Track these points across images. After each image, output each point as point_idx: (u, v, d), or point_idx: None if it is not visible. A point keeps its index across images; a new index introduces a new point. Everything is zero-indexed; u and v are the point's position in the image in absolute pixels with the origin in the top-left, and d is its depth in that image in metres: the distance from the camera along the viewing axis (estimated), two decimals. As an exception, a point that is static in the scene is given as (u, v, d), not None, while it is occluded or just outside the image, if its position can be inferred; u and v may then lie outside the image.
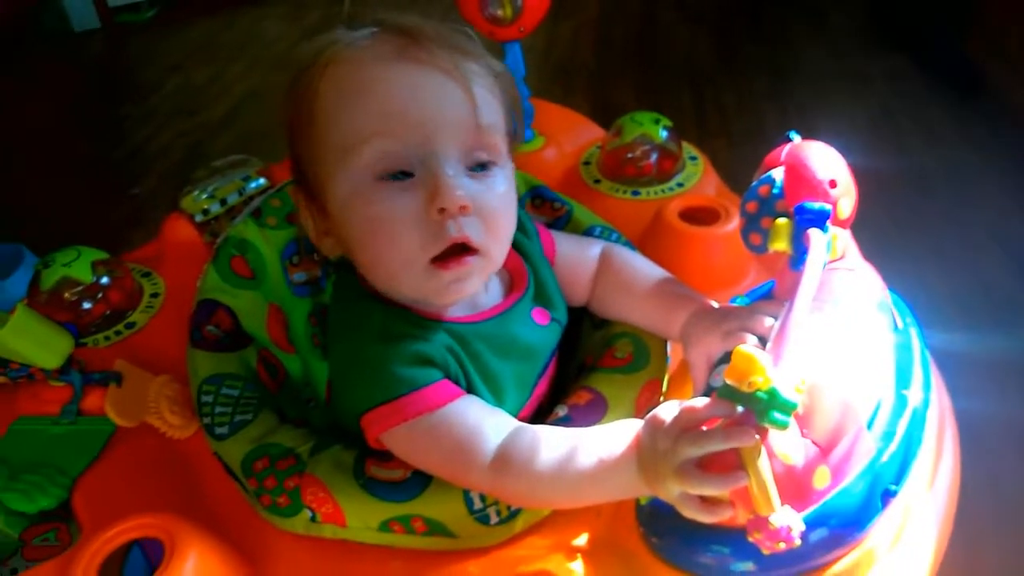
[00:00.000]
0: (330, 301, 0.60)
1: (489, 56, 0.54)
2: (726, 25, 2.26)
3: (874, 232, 0.62)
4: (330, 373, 0.60)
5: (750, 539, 0.40)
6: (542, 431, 0.49)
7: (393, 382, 0.50)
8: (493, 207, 0.51)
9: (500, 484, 0.49)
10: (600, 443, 0.46)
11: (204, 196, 0.82)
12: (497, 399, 0.55)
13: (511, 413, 0.53)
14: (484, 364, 0.55)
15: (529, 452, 0.48)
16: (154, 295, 0.78)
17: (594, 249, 0.66)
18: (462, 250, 0.50)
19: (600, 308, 0.65)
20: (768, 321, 0.50)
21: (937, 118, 1.66)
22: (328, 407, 0.73)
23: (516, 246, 0.60)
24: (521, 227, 0.59)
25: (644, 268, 0.64)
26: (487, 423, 0.50)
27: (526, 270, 0.61)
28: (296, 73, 0.53)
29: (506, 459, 0.48)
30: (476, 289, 0.55)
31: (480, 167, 0.52)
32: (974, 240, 1.30)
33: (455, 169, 0.50)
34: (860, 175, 0.52)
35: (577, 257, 0.65)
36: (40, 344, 0.59)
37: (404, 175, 0.49)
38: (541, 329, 0.60)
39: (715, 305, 0.57)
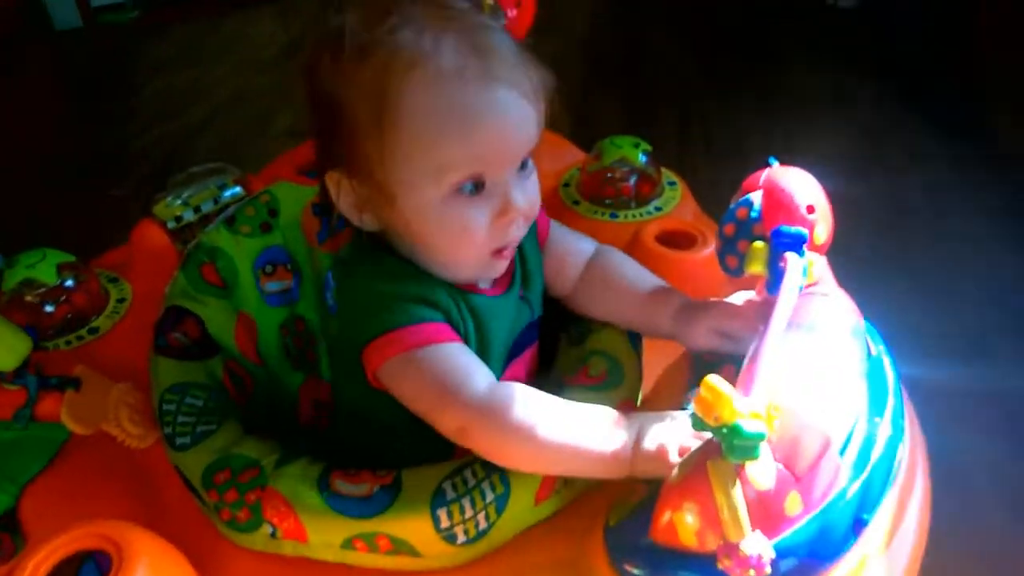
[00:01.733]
0: (345, 252, 0.61)
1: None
2: (714, 46, 2.29)
3: (852, 259, 0.62)
4: (337, 310, 0.62)
5: (719, 566, 0.40)
6: (539, 392, 0.51)
7: (398, 314, 0.54)
8: (534, 202, 0.56)
9: (482, 421, 0.50)
10: (593, 410, 0.50)
11: (177, 203, 0.81)
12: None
13: None
14: (479, 328, 0.57)
15: (524, 399, 0.50)
16: (120, 300, 0.76)
17: (588, 244, 0.68)
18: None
19: (582, 303, 0.66)
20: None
21: (922, 147, 1.67)
22: (300, 424, 0.72)
23: None
24: None
25: (634, 269, 0.66)
26: (481, 368, 0.53)
27: (513, 256, 0.61)
28: (353, 59, 0.51)
29: (498, 399, 0.50)
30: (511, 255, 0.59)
31: (523, 165, 0.55)
32: (953, 270, 1.31)
33: (515, 180, 0.54)
34: (841, 201, 0.53)
35: (569, 247, 0.67)
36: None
37: (480, 186, 0.53)
38: (517, 304, 0.62)
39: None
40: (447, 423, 0.51)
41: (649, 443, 0.47)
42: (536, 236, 0.65)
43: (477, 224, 0.53)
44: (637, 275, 0.65)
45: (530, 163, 0.56)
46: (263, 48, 2.40)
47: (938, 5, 1.85)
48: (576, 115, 1.79)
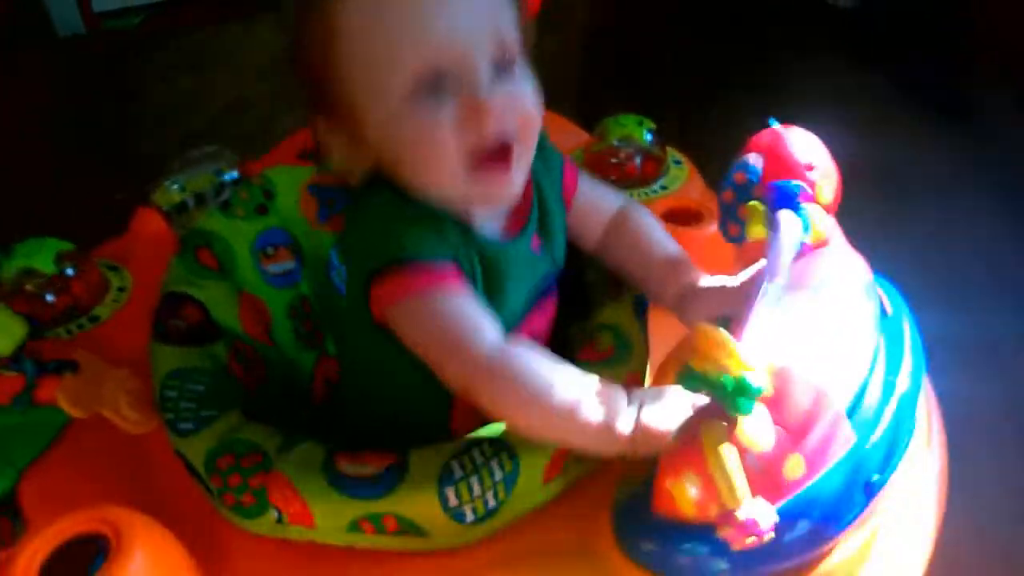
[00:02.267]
0: (354, 194, 0.60)
1: None
2: (715, 38, 2.30)
3: (853, 235, 0.62)
4: (344, 242, 0.60)
5: (719, 534, 0.39)
6: (547, 353, 0.50)
7: (410, 242, 0.51)
8: (519, 103, 0.53)
9: (485, 378, 0.49)
10: (597, 381, 0.48)
11: (175, 188, 0.81)
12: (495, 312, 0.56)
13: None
14: (488, 275, 0.56)
15: (529, 360, 0.49)
16: (120, 289, 0.76)
17: (615, 199, 0.67)
18: (503, 154, 0.52)
19: (605, 256, 0.66)
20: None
21: (921, 132, 1.69)
22: (314, 403, 0.71)
23: (531, 173, 0.60)
24: (541, 155, 0.60)
25: (654, 233, 0.64)
26: (489, 322, 0.51)
27: (532, 196, 0.60)
28: (304, 9, 0.53)
29: (504, 357, 0.49)
30: (520, 187, 0.55)
31: (504, 68, 0.52)
32: (953, 244, 1.34)
33: (487, 76, 0.51)
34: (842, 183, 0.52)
35: (596, 202, 0.66)
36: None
37: (440, 89, 0.50)
38: (533, 256, 0.60)
39: (711, 282, 0.58)
40: (451, 376, 0.50)
41: (649, 418, 0.46)
42: (560, 189, 0.63)
43: (440, 121, 0.50)
44: (656, 240, 0.63)
45: (516, 67, 0.53)
46: (263, 55, 2.41)
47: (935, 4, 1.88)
48: (575, 111, 1.79)
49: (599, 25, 2.44)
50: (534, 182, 0.60)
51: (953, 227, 1.39)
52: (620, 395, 0.48)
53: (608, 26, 2.44)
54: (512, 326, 0.59)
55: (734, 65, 2.15)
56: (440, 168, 0.52)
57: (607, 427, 0.46)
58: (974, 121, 1.68)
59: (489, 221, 0.58)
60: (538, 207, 0.61)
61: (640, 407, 0.47)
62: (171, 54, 2.47)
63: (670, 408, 0.46)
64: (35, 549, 0.46)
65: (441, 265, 0.52)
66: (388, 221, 0.54)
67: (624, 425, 0.46)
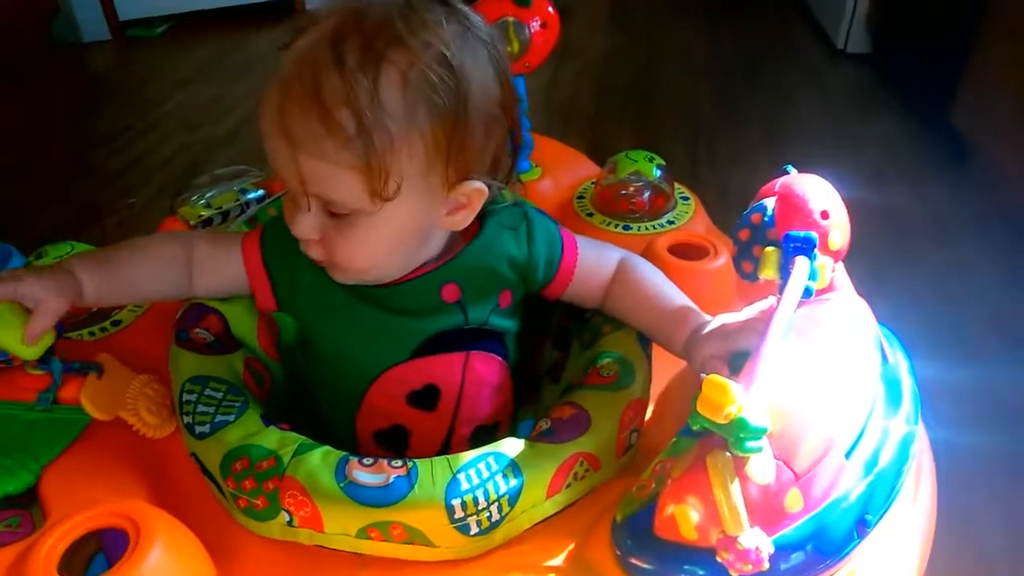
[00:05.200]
0: None
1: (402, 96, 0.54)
2: (726, 79, 2.33)
3: (857, 277, 0.63)
4: None
5: (719, 559, 0.40)
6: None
7: (271, 229, 0.66)
8: (338, 245, 0.59)
9: None
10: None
11: (201, 203, 0.83)
12: (356, 338, 0.64)
13: (377, 361, 0.64)
14: (349, 306, 0.63)
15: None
16: (143, 295, 0.78)
17: (614, 255, 0.68)
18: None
19: (611, 311, 0.68)
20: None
21: (925, 180, 1.71)
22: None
23: (486, 231, 0.65)
24: (519, 235, 0.66)
25: (657, 283, 0.66)
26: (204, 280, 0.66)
27: (459, 252, 0.64)
28: None
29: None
30: (350, 281, 0.63)
31: (338, 216, 0.58)
32: (954, 293, 1.36)
33: (306, 211, 0.58)
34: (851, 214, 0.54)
35: (598, 262, 0.68)
36: (21, 332, 0.58)
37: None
38: (439, 303, 0.64)
39: (716, 322, 0.58)
40: None
41: None
42: (543, 266, 0.66)
43: (287, 212, 0.60)
44: (660, 290, 0.65)
45: (355, 215, 0.56)
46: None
47: (941, 52, 1.90)
48: (586, 140, 1.82)
49: (613, 59, 2.48)
50: (481, 248, 0.64)
51: (956, 273, 1.41)
52: None
53: (624, 58, 2.48)
54: (395, 359, 0.64)
55: (745, 103, 2.18)
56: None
57: None
58: (980, 167, 1.70)
59: None
60: (464, 264, 0.64)
61: None
62: (193, 63, 2.51)
63: None
64: (56, 540, 0.47)
65: (256, 251, 0.65)
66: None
67: None
